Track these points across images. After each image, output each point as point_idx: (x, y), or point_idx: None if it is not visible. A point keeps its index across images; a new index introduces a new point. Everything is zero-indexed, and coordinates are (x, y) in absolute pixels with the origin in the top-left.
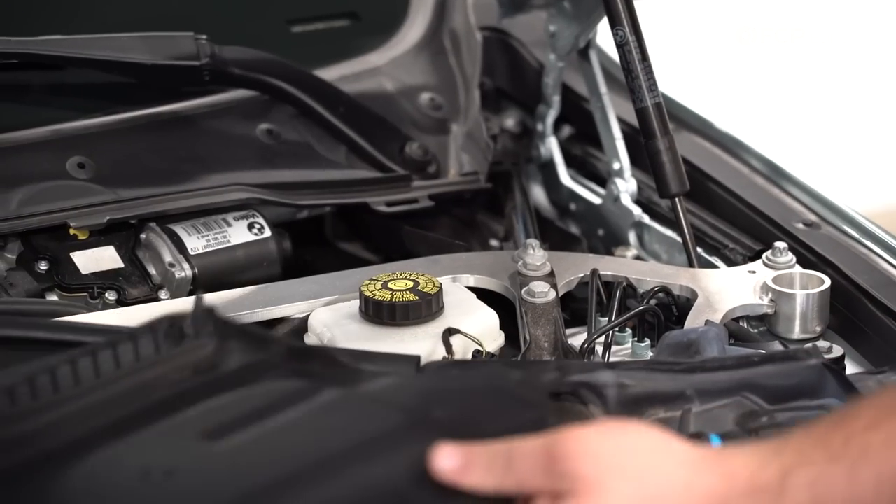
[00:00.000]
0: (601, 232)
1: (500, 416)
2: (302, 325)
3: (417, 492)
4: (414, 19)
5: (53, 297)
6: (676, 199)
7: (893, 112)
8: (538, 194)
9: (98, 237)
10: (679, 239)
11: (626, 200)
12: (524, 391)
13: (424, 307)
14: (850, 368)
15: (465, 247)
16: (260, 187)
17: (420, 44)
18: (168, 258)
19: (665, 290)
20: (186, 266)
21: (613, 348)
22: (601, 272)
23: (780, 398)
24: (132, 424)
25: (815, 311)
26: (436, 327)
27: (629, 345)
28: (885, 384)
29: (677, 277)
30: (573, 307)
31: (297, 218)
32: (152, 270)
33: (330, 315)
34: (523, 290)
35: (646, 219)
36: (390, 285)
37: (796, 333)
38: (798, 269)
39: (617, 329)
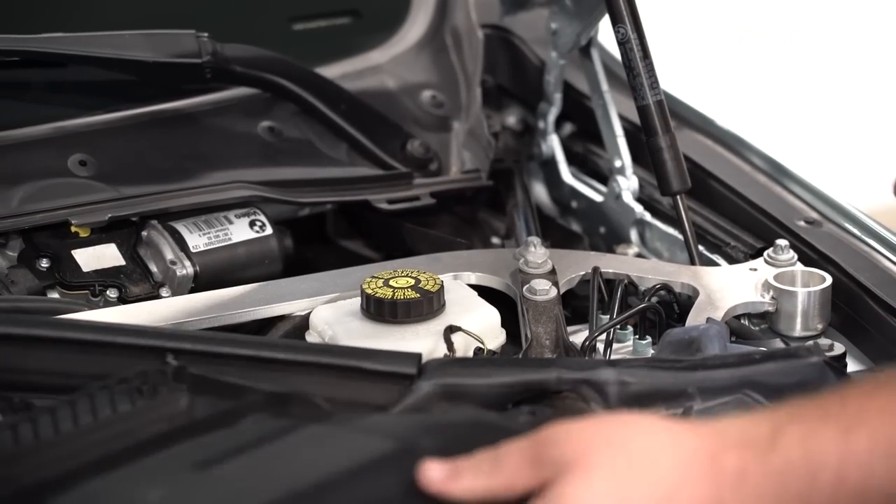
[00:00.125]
0: (602, 229)
1: (487, 443)
2: (303, 323)
3: None
4: (415, 17)
5: (55, 295)
6: (678, 197)
7: (893, 110)
8: (539, 192)
9: (99, 235)
10: (680, 236)
11: (628, 198)
12: (508, 422)
13: (426, 305)
14: (852, 366)
15: (466, 244)
16: (261, 185)
17: (422, 41)
18: (169, 256)
19: (666, 287)
20: (188, 263)
21: (615, 346)
22: (602, 270)
23: (781, 396)
24: (118, 461)
25: (817, 309)
26: (437, 325)
27: (630, 342)
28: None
29: (679, 275)
30: (574, 305)
31: (298, 215)
32: (154, 268)
33: (331, 312)
34: (524, 288)
35: (647, 216)
36: (392, 283)
37: (798, 331)
38: (799, 266)
39: (618, 327)
